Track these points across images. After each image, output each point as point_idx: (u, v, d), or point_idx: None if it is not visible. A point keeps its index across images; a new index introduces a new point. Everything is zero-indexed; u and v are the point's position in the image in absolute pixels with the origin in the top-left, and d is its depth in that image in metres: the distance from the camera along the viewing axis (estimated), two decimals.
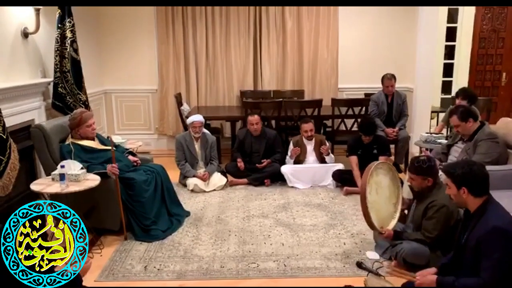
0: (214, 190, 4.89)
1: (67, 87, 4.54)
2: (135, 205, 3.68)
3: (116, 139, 4.58)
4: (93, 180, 3.40)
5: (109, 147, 3.88)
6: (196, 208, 4.37)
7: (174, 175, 4.73)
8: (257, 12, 6.28)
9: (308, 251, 3.44)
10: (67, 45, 4.49)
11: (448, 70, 7.93)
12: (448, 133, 5.09)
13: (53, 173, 3.37)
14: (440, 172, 3.05)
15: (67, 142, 3.74)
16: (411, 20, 6.22)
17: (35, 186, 3.29)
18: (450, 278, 2.41)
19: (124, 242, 3.61)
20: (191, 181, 4.86)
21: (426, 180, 3.00)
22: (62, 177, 3.19)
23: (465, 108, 3.76)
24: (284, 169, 5.00)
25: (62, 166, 3.23)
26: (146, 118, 6.74)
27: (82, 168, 3.44)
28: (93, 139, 3.89)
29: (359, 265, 3.18)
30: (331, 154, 5.15)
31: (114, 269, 3.18)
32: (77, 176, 3.33)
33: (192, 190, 4.84)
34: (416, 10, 6.08)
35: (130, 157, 4.08)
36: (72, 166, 3.38)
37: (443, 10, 7.04)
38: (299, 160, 5.09)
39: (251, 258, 3.33)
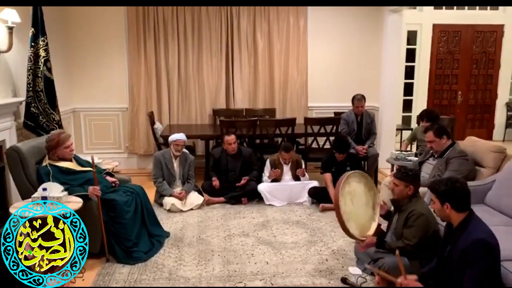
0: (191, 209, 4.87)
1: (40, 107, 4.44)
2: (116, 227, 3.62)
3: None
4: (75, 202, 3.31)
5: (87, 168, 3.83)
6: (175, 229, 4.34)
7: (149, 194, 4.67)
8: (229, 32, 6.39)
9: (292, 268, 3.50)
10: (40, 64, 4.42)
11: (408, 89, 8.34)
12: (416, 150, 5.32)
13: (33, 195, 3.24)
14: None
15: (44, 164, 3.63)
16: (376, 42, 6.54)
17: (15, 210, 3.15)
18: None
19: (105, 265, 3.54)
20: (168, 201, 4.82)
21: (407, 188, 3.15)
22: (44, 200, 3.09)
23: (440, 126, 3.99)
24: (261, 187, 5.06)
25: (44, 189, 3.14)
26: (116, 137, 6.64)
27: (63, 191, 3.35)
28: (71, 160, 3.80)
29: (344, 281, 3.27)
30: (306, 175, 5.26)
31: None
32: (58, 199, 3.22)
33: (169, 210, 4.80)
34: (381, 33, 6.39)
35: (109, 178, 4.02)
36: (53, 189, 3.28)
37: (403, 33, 7.43)
38: (275, 178, 5.17)
39: (237, 278, 3.35)
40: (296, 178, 5.22)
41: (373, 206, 3.39)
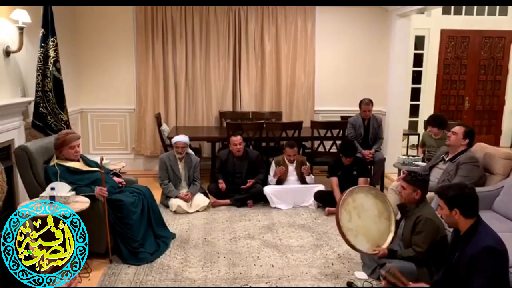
0: (197, 211, 4.87)
1: (49, 107, 4.47)
2: (123, 227, 3.63)
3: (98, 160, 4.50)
4: (82, 202, 3.33)
5: (95, 169, 3.85)
6: (181, 230, 4.35)
7: (155, 195, 4.67)
8: (237, 35, 6.41)
9: (298, 272, 3.49)
10: (50, 64, 4.44)
11: (415, 94, 8.32)
12: (423, 155, 5.29)
13: (41, 195, 3.27)
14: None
15: (52, 163, 3.65)
16: (384, 47, 6.53)
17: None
18: None
19: (111, 266, 3.55)
20: (174, 202, 4.83)
21: (415, 193, 3.15)
22: (52, 199, 3.12)
23: (471, 130, 3.96)
24: (267, 190, 5.07)
25: (52, 188, 3.16)
26: (122, 138, 6.66)
27: (71, 190, 3.37)
28: (78, 160, 3.82)
29: (350, 285, 3.26)
30: (311, 174, 5.26)
31: None
32: (66, 199, 3.25)
33: (175, 212, 4.81)
34: (389, 37, 6.38)
35: (115, 179, 4.03)
36: (61, 188, 3.30)
37: (411, 38, 7.42)
38: (280, 179, 5.18)
39: (243, 280, 3.35)
40: (301, 179, 5.21)
41: (388, 217, 3.37)
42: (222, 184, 5.12)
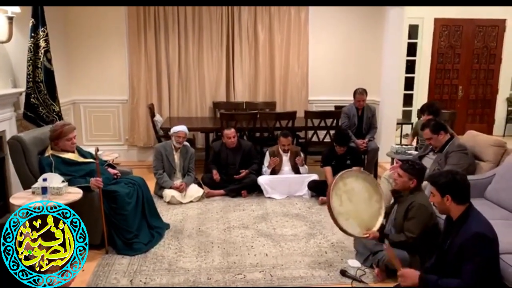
0: (191, 201, 4.88)
1: (40, 98, 4.43)
2: (117, 218, 3.62)
3: (92, 151, 4.48)
4: (75, 193, 3.32)
5: (90, 160, 3.83)
6: (175, 220, 4.35)
7: (149, 186, 4.66)
8: (230, 24, 6.36)
9: (292, 260, 3.51)
10: (40, 54, 4.40)
11: (409, 83, 8.32)
12: (417, 144, 5.31)
13: (33, 186, 3.26)
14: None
15: (46, 154, 3.63)
16: (378, 36, 6.51)
17: (15, 200, 3.17)
18: (433, 277, 2.56)
19: (105, 256, 3.54)
20: (168, 193, 4.83)
21: (411, 181, 3.16)
22: (44, 190, 3.11)
23: (436, 122, 3.98)
24: (261, 180, 5.07)
25: (44, 179, 3.14)
26: (115, 129, 6.63)
27: (63, 181, 3.35)
28: (73, 152, 3.80)
29: (343, 273, 3.29)
30: (305, 165, 5.27)
31: (98, 284, 3.11)
32: (59, 190, 3.24)
33: (168, 202, 4.81)
34: (383, 27, 6.36)
35: (110, 170, 4.02)
36: (54, 179, 3.29)
37: (405, 27, 7.40)
38: (275, 169, 5.19)
39: (237, 269, 3.36)
40: (295, 170, 5.22)
41: (378, 200, 3.38)
42: (216, 176, 5.12)
